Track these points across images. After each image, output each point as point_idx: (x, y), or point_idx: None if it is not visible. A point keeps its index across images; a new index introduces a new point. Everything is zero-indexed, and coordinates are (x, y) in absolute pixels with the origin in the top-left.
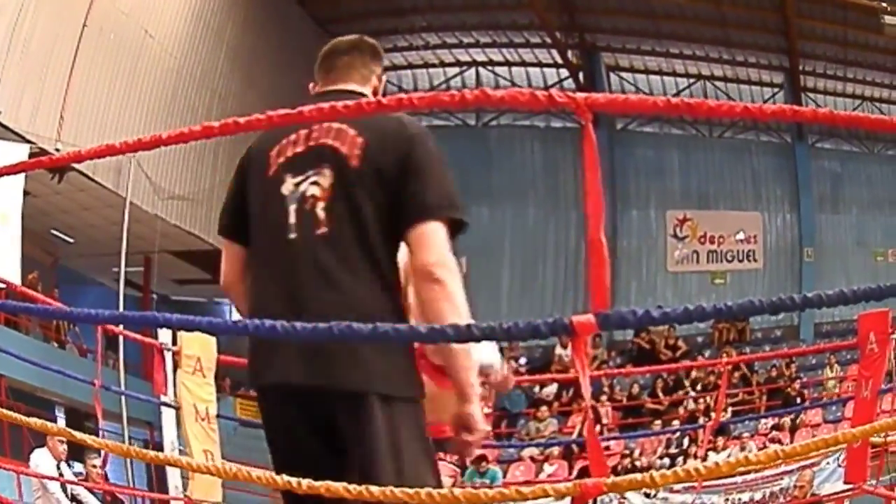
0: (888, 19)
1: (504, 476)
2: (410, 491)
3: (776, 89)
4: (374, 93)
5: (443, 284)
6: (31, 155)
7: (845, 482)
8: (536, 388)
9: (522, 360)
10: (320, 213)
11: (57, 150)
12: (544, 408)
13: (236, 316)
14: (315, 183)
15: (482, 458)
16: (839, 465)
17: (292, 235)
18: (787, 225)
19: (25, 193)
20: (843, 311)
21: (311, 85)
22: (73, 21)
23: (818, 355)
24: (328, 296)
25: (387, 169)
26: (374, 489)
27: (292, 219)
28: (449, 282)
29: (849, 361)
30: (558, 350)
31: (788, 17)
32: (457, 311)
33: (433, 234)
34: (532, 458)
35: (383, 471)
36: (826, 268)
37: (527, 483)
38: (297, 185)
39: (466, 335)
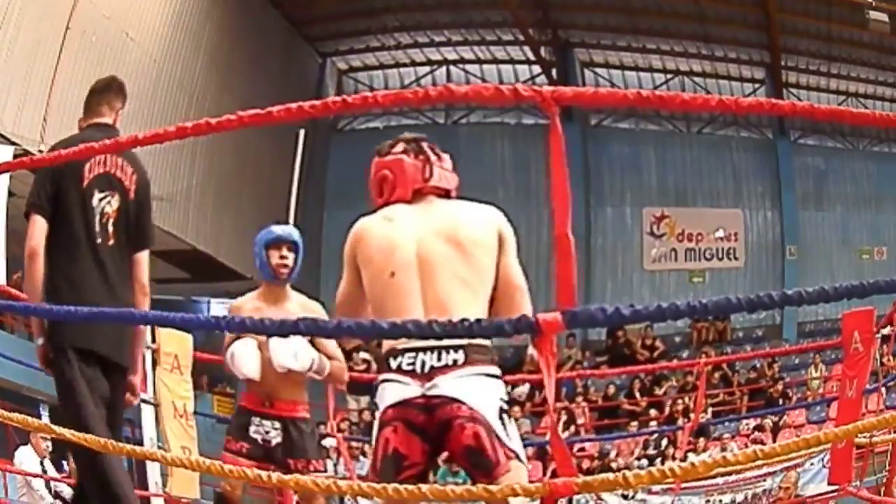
0: (873, 14)
1: None
2: (378, 486)
3: (757, 85)
4: (113, 124)
5: (148, 298)
6: (16, 156)
7: (830, 483)
8: (508, 389)
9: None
10: (110, 228)
11: (41, 151)
12: (517, 408)
13: (215, 312)
14: (109, 203)
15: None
16: (823, 466)
17: (98, 241)
18: (769, 223)
19: (10, 194)
20: (826, 310)
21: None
22: (57, 24)
23: (802, 355)
24: (115, 295)
25: (142, 204)
26: (343, 483)
27: (97, 227)
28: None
29: (833, 361)
30: (531, 350)
31: (770, 12)
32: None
33: (146, 261)
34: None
35: None
36: (809, 266)
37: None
38: (100, 200)
39: (427, 331)
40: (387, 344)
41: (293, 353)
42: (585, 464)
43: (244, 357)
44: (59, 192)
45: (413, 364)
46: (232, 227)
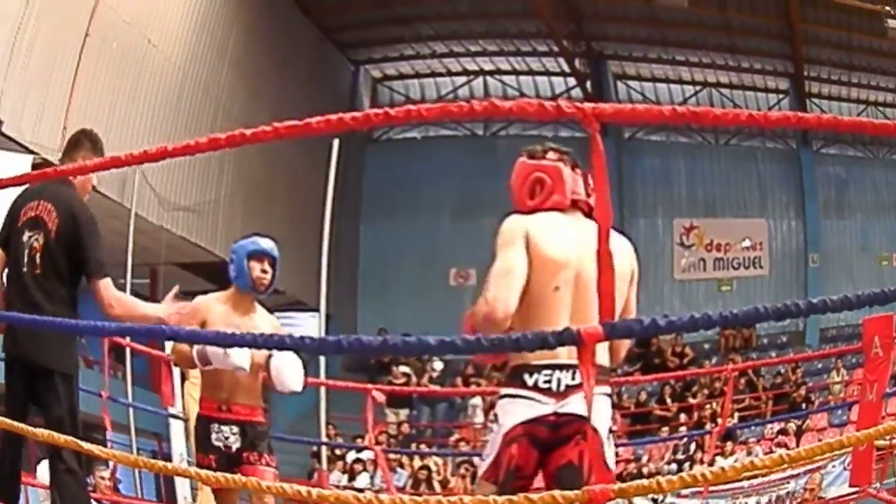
0: (892, 23)
1: None
2: (432, 499)
3: (781, 95)
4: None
5: (118, 315)
6: (35, 166)
7: (851, 485)
8: None
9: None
10: (37, 259)
11: (60, 160)
12: None
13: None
14: (36, 240)
15: None
16: (845, 469)
17: (25, 269)
18: (793, 231)
19: None
20: (848, 315)
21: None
22: (76, 30)
23: (824, 360)
24: (39, 311)
25: (66, 240)
26: (385, 498)
27: (25, 259)
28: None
29: (854, 366)
30: None
31: (793, 22)
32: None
33: (105, 289)
34: None
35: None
36: (831, 273)
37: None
38: (28, 237)
39: (477, 347)
40: (515, 358)
41: (299, 375)
42: (617, 468)
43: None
44: (8, 231)
45: (549, 382)
46: None
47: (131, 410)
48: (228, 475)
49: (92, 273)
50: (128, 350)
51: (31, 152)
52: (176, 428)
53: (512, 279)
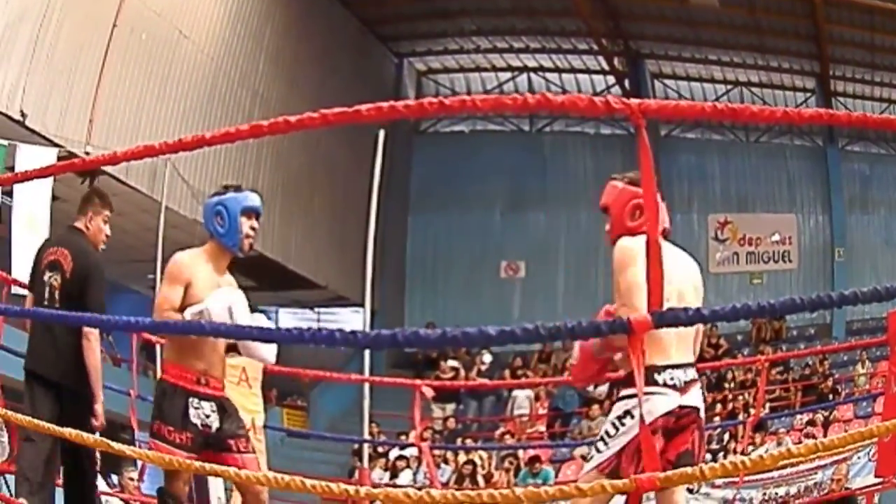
0: None
1: (556, 476)
2: (484, 492)
3: (808, 94)
4: (87, 226)
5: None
6: (60, 159)
7: (876, 476)
8: (591, 387)
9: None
10: (56, 295)
11: (87, 153)
12: (596, 406)
13: (284, 322)
14: (55, 279)
15: (536, 458)
16: (870, 460)
17: (46, 303)
18: (820, 226)
19: (54, 198)
20: (873, 308)
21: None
22: (103, 21)
23: (850, 352)
24: (56, 339)
25: (78, 280)
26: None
27: (46, 295)
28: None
29: (878, 358)
30: None
31: (818, 22)
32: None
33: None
34: (583, 457)
35: None
36: (856, 267)
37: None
38: (48, 277)
39: (535, 336)
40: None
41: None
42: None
43: (224, 315)
44: (33, 275)
45: (674, 379)
46: (302, 232)
47: None
48: (273, 475)
49: (90, 307)
50: (158, 347)
51: (56, 145)
52: None
53: (643, 294)
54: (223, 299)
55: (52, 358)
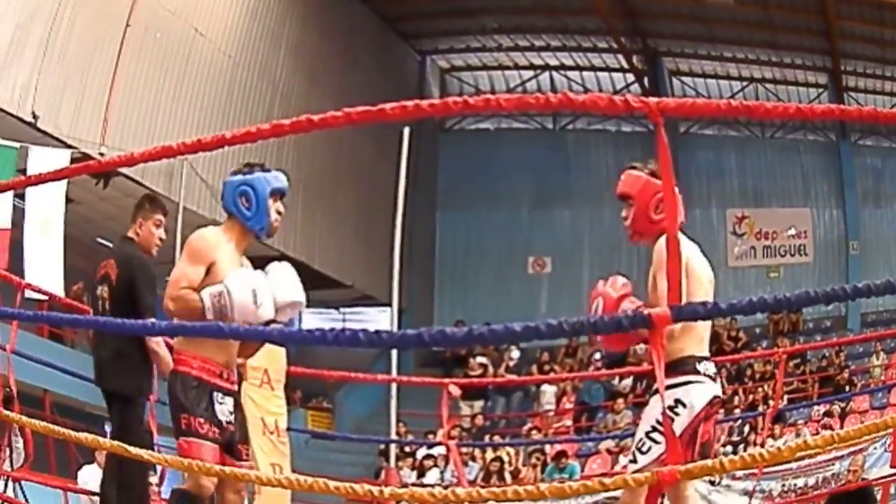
0: None
1: (582, 470)
2: (497, 490)
3: (820, 90)
4: (136, 233)
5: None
6: (73, 160)
7: (892, 466)
8: (616, 381)
9: (597, 356)
10: (107, 305)
11: (101, 154)
12: (620, 400)
13: (308, 323)
14: (104, 290)
15: (562, 453)
16: (885, 451)
17: (99, 311)
18: (834, 220)
19: (68, 200)
20: (887, 301)
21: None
22: (116, 21)
23: (865, 344)
24: (106, 347)
25: (124, 289)
26: (461, 492)
27: (99, 307)
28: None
29: (893, 349)
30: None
31: (829, 18)
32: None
33: None
34: (608, 451)
35: None
36: (870, 260)
37: (605, 475)
38: (99, 290)
39: (558, 332)
40: (679, 351)
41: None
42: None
43: (247, 298)
44: (89, 290)
45: (710, 369)
46: (326, 231)
47: None
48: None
49: (142, 315)
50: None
51: (70, 146)
52: None
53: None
54: (246, 281)
55: (126, 374)
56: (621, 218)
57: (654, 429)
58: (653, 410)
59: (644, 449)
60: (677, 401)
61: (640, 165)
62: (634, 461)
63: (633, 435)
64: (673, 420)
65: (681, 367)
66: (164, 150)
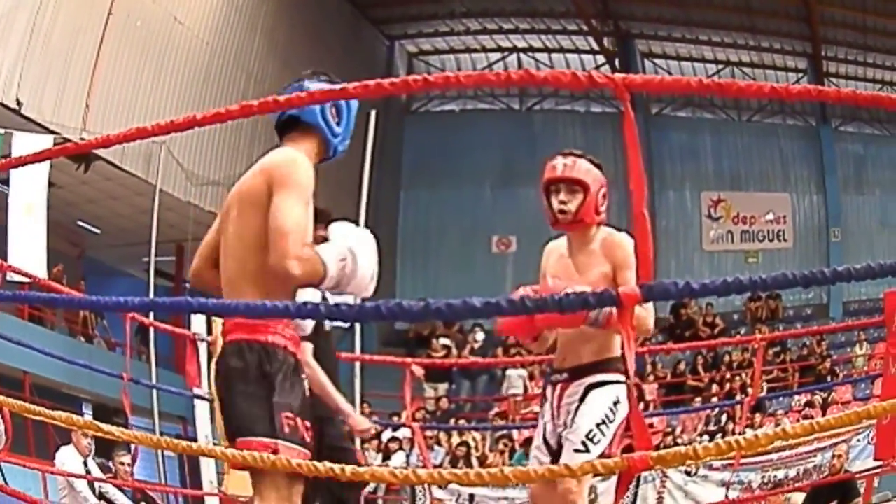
0: None
1: None
2: (459, 472)
3: (800, 75)
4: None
5: None
6: (56, 145)
7: (875, 459)
8: None
9: None
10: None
11: (82, 139)
12: None
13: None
14: None
15: (530, 440)
16: (869, 443)
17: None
18: (815, 206)
19: (51, 184)
20: (869, 289)
21: None
22: (98, 9)
23: (847, 333)
24: None
25: None
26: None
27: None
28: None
29: (877, 339)
30: None
31: (810, 3)
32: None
33: None
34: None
35: None
36: (852, 247)
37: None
38: None
39: (520, 308)
40: (613, 349)
41: None
42: (654, 439)
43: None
44: None
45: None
46: None
47: (154, 393)
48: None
49: None
50: (151, 330)
51: (52, 132)
52: (201, 410)
53: None
54: (370, 243)
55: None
56: (559, 201)
57: (605, 421)
58: (601, 401)
59: (596, 440)
60: (618, 400)
61: (588, 157)
62: (587, 451)
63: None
64: (615, 416)
65: (614, 364)
66: (139, 132)
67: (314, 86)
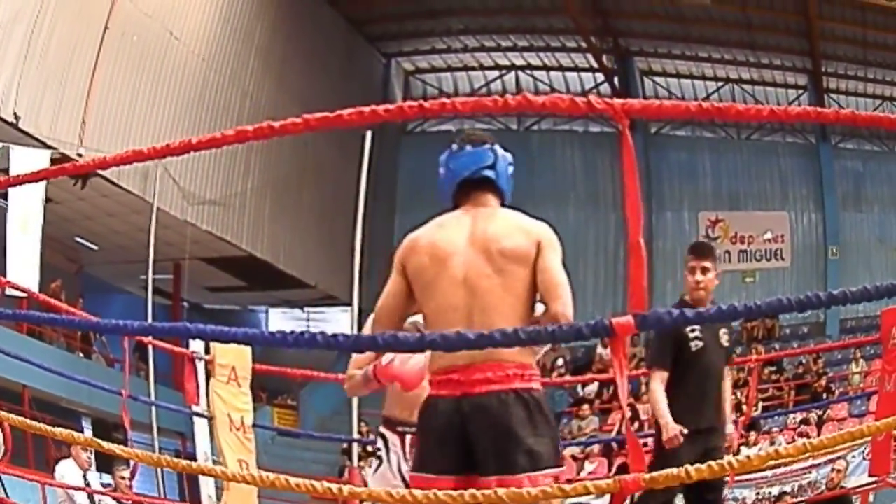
0: None
1: None
2: (455, 493)
3: (800, 91)
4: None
5: None
6: (53, 160)
7: (870, 475)
8: (580, 388)
9: (560, 362)
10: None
11: (79, 154)
12: (586, 406)
13: (273, 326)
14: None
15: None
16: (864, 459)
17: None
18: (813, 224)
19: (47, 200)
20: (867, 307)
21: None
22: (94, 24)
23: (843, 351)
24: None
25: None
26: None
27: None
28: None
29: (873, 356)
30: (599, 349)
31: (810, 18)
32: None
33: None
34: (573, 457)
35: None
36: (850, 265)
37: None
38: None
39: (515, 339)
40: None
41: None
42: (648, 459)
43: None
44: None
45: None
46: (292, 232)
47: (153, 409)
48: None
49: None
50: (150, 347)
51: (49, 147)
52: (200, 426)
53: None
54: None
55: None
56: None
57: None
58: None
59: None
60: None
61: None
62: None
63: (599, 441)
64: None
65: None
66: (136, 155)
67: (500, 152)
